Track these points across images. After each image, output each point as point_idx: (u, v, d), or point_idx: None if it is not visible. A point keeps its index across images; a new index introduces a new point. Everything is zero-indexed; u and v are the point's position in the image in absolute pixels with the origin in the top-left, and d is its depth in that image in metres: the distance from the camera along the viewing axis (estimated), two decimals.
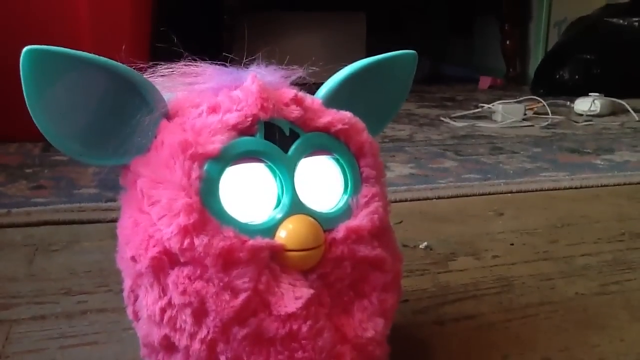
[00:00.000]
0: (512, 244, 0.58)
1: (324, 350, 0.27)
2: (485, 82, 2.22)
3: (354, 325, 0.29)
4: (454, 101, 1.79)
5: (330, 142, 0.31)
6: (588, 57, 1.89)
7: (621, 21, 1.88)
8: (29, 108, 0.27)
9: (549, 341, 0.40)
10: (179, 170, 0.27)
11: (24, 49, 0.26)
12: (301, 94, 0.31)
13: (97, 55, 0.28)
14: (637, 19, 1.85)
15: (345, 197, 0.31)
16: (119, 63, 0.29)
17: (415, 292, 0.47)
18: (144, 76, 0.30)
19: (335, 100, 0.33)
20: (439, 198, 0.75)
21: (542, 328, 0.42)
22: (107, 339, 0.39)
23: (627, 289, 0.48)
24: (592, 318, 0.43)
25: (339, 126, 0.31)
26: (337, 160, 0.31)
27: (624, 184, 0.83)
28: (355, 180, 0.31)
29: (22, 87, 0.27)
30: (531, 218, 0.67)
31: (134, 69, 0.29)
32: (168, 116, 0.30)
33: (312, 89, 0.33)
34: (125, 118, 0.29)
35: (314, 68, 0.33)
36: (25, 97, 0.27)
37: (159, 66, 0.32)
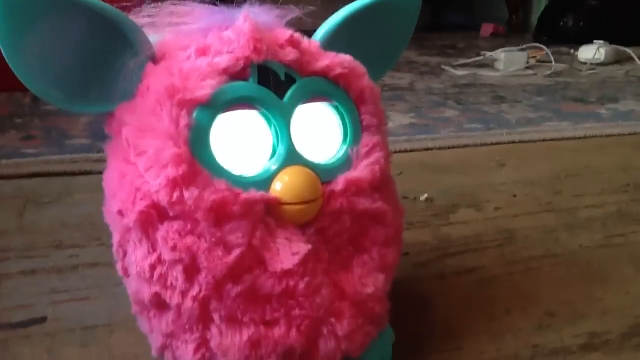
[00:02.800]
0: (515, 195, 0.57)
1: (321, 307, 0.26)
2: (487, 29, 2.16)
3: (353, 281, 0.27)
4: (455, 49, 1.75)
5: (328, 87, 0.28)
6: (592, 3, 1.84)
7: None
8: (5, 54, 0.25)
9: (552, 295, 0.39)
10: (166, 117, 0.25)
11: None
12: (297, 35, 0.29)
13: None
14: None
15: (345, 146, 0.29)
16: (100, 2, 0.26)
17: (415, 245, 0.46)
18: (128, 16, 0.27)
19: (333, 42, 0.31)
20: (439, 148, 0.73)
21: (545, 281, 0.41)
22: (99, 294, 0.38)
23: (632, 241, 0.47)
24: (596, 271, 0.43)
25: (338, 70, 0.29)
26: (336, 107, 0.29)
27: (629, 134, 0.81)
28: (355, 128, 0.29)
29: None
30: (534, 168, 0.66)
31: (117, 8, 0.27)
32: (154, 59, 0.27)
33: (309, 30, 0.31)
34: (109, 61, 0.27)
35: (311, 7, 0.30)
36: (0, 44, 0.25)
37: (144, 5, 0.29)
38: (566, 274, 0.42)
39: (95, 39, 0.26)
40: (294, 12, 0.30)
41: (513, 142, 0.76)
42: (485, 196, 0.57)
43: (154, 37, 0.29)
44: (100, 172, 0.29)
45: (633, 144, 0.77)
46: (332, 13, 0.32)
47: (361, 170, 0.28)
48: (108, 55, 0.27)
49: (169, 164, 0.24)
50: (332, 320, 0.26)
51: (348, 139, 0.29)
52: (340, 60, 0.29)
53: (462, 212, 0.53)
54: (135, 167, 0.26)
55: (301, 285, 0.25)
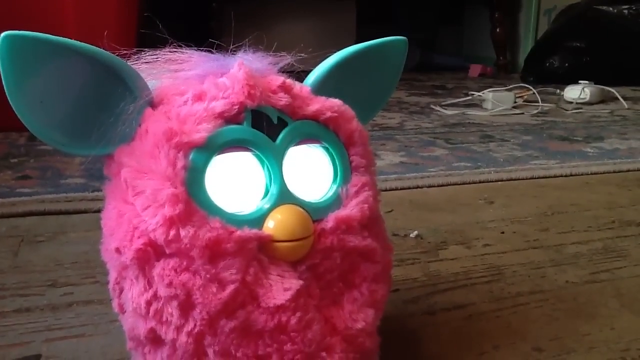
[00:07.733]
0: (503, 233, 0.58)
1: (313, 342, 0.27)
2: (475, 70, 2.21)
3: (344, 316, 0.28)
4: (444, 89, 1.79)
5: (319, 130, 0.30)
6: (577, 45, 1.90)
7: (610, 9, 1.88)
8: (8, 97, 0.26)
9: (539, 330, 0.40)
10: (163, 159, 0.26)
11: (1, 35, 0.25)
12: (289, 81, 0.30)
13: (79, 42, 0.27)
14: (626, 7, 1.86)
15: (335, 186, 0.30)
16: (101, 50, 0.28)
17: (405, 282, 0.47)
18: (128, 63, 0.29)
19: (324, 87, 0.32)
20: (429, 187, 0.75)
21: (532, 317, 0.42)
22: (93, 331, 0.39)
23: (617, 277, 0.48)
24: (583, 306, 0.43)
25: (328, 114, 0.30)
26: (326, 149, 0.30)
27: (614, 172, 0.83)
28: (345, 169, 0.31)
29: None
30: (522, 206, 0.67)
31: (117, 55, 0.28)
32: (152, 104, 0.29)
33: (301, 76, 0.32)
34: (109, 106, 0.28)
35: (303, 55, 0.32)
36: (4, 86, 0.26)
37: (143, 53, 0.31)
38: (553, 310, 0.43)
39: (96, 84, 0.28)
40: (286, 60, 0.31)
41: (501, 180, 0.78)
42: (474, 233, 0.58)
43: (153, 83, 0.30)
44: (95, 211, 0.30)
45: (618, 182, 0.79)
46: (323, 59, 0.34)
47: (351, 209, 0.29)
48: (108, 100, 0.28)
49: (166, 203, 0.25)
50: (324, 355, 0.27)
51: (338, 179, 0.30)
52: (330, 105, 0.30)
53: (452, 249, 0.54)
54: (133, 206, 0.27)
55: (293, 321, 0.26)
